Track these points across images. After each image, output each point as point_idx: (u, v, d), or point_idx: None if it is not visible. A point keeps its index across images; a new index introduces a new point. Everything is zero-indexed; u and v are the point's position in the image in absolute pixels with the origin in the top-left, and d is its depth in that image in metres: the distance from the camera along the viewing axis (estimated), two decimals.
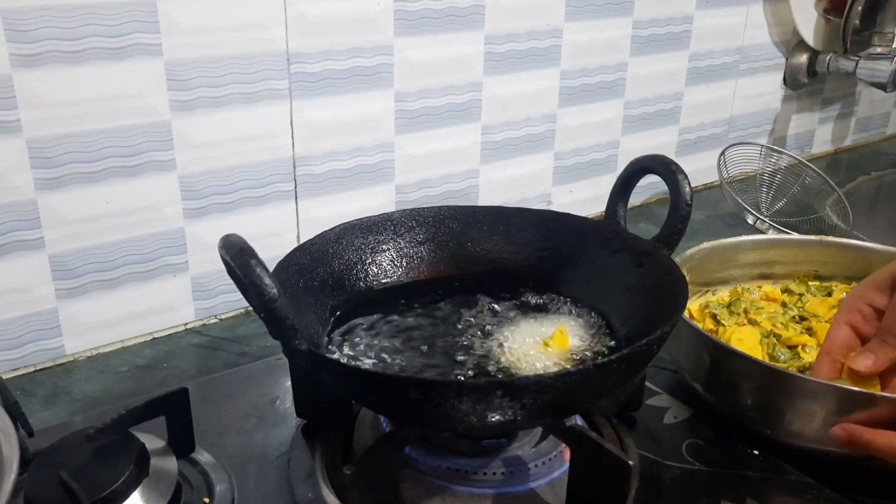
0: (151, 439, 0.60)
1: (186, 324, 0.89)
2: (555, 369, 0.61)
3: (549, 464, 0.62)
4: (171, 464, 0.59)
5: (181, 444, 0.62)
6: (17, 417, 0.60)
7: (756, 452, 0.67)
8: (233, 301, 0.89)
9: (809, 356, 0.71)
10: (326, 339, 0.66)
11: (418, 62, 0.95)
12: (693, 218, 1.19)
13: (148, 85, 0.77)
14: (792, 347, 0.73)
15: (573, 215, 0.76)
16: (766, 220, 1.16)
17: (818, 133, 1.54)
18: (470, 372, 0.61)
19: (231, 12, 0.80)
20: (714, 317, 0.78)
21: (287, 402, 0.72)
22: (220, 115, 0.83)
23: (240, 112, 0.84)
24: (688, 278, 0.78)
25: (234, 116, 0.84)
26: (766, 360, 0.72)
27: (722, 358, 0.68)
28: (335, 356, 0.63)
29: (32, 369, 0.80)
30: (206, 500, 0.61)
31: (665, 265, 0.65)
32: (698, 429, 0.70)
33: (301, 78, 0.87)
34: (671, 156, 1.27)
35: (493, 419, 0.50)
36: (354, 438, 0.67)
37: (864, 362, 0.61)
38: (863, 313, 0.64)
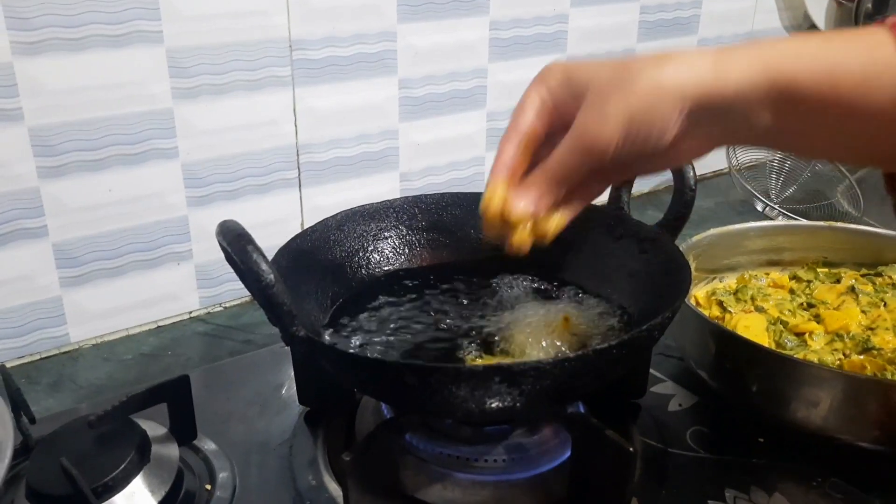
0: (153, 426, 0.60)
1: (191, 312, 0.89)
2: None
3: (551, 451, 0.62)
4: (172, 451, 0.59)
5: (183, 431, 0.62)
6: (20, 404, 0.60)
7: (761, 440, 0.66)
8: (237, 289, 0.89)
9: (816, 343, 0.71)
10: (327, 325, 0.65)
11: (422, 48, 0.94)
12: (702, 205, 1.20)
13: (150, 72, 0.77)
14: (799, 335, 0.72)
15: None
16: (776, 207, 1.15)
17: None
18: (472, 357, 0.61)
19: None
20: (721, 304, 0.77)
21: (290, 389, 0.72)
22: (223, 103, 0.82)
23: (242, 99, 0.83)
24: (694, 265, 0.78)
25: (236, 104, 0.83)
26: (773, 347, 0.71)
27: (728, 345, 0.67)
28: (335, 342, 0.63)
29: (37, 357, 0.80)
30: (208, 486, 0.61)
31: (668, 251, 0.64)
32: (703, 416, 0.70)
33: (304, 65, 0.86)
34: None
35: (493, 405, 0.50)
36: (356, 425, 0.67)
37: (522, 204, 0.50)
38: (549, 89, 0.50)
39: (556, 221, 0.51)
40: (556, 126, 0.49)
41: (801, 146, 0.49)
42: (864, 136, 0.45)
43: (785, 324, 0.73)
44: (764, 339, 0.71)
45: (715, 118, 0.45)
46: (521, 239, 0.50)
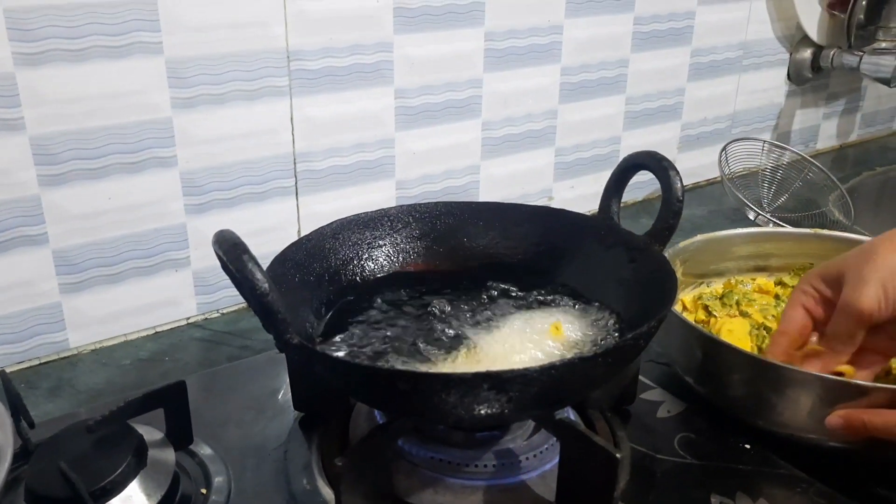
0: (150, 431, 0.61)
1: (188, 318, 0.90)
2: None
3: (540, 456, 0.63)
4: (168, 455, 0.60)
5: (179, 435, 0.63)
6: (19, 409, 0.61)
7: (748, 446, 0.67)
8: (234, 295, 0.90)
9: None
10: (321, 332, 0.67)
11: (419, 59, 0.96)
12: (695, 213, 1.22)
13: (149, 82, 0.79)
14: None
15: (568, 211, 0.76)
16: (768, 215, 1.16)
17: (823, 128, 1.53)
18: (462, 364, 0.62)
19: (231, 10, 0.81)
20: (706, 308, 0.79)
21: (285, 394, 0.73)
22: (221, 112, 0.84)
23: (241, 109, 0.85)
24: (682, 270, 0.79)
25: (235, 113, 0.85)
26: (755, 351, 0.72)
27: (711, 349, 0.68)
28: (329, 350, 0.64)
29: (37, 362, 0.81)
30: (204, 490, 0.62)
31: (656, 260, 0.66)
32: (691, 423, 0.71)
33: (301, 75, 0.88)
34: (673, 151, 1.28)
35: (481, 411, 0.51)
36: (350, 430, 0.68)
37: (813, 367, 0.64)
38: (815, 298, 0.67)
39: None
40: (822, 315, 0.66)
41: None
42: None
43: (768, 329, 0.74)
44: (746, 344, 0.73)
45: None
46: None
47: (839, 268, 0.64)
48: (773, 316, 0.76)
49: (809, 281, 0.67)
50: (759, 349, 0.73)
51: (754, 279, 0.85)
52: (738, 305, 0.79)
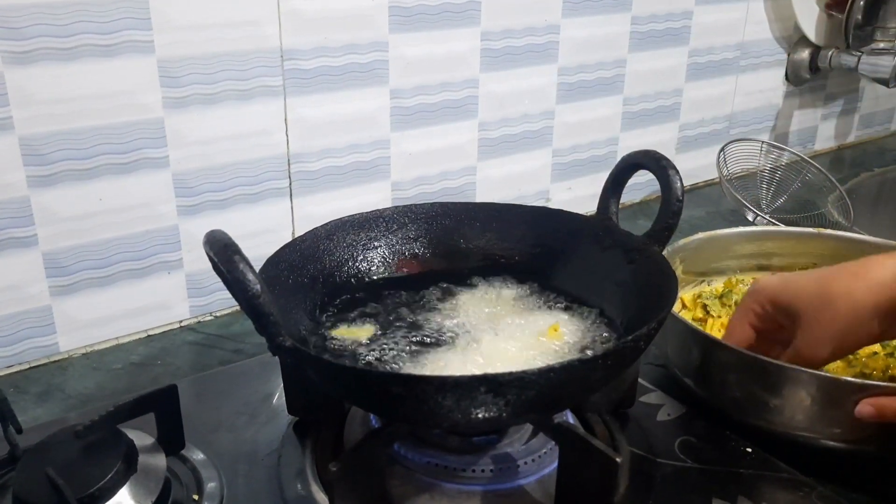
0: (141, 436, 0.60)
1: (181, 321, 0.89)
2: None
3: (538, 461, 0.62)
4: (159, 461, 0.59)
5: (171, 441, 0.62)
6: (7, 414, 0.60)
7: (749, 450, 0.66)
8: (227, 298, 0.89)
9: None
10: (315, 334, 0.66)
11: (414, 59, 0.95)
12: (693, 214, 1.21)
13: (141, 82, 0.78)
14: None
15: (565, 212, 0.75)
16: (766, 216, 1.15)
17: (821, 129, 1.53)
18: (458, 367, 0.61)
19: (224, 9, 0.80)
20: (705, 307, 0.78)
21: (279, 399, 0.72)
22: (214, 112, 0.83)
23: (233, 109, 0.84)
24: (681, 268, 0.79)
25: (227, 113, 0.83)
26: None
27: (709, 350, 0.68)
28: (322, 352, 0.63)
29: (27, 366, 0.80)
30: (195, 497, 0.61)
31: (656, 261, 0.65)
32: (691, 426, 0.70)
33: (295, 75, 0.87)
34: (671, 152, 1.27)
35: (478, 415, 0.50)
36: (345, 435, 0.67)
37: None
38: (762, 317, 0.66)
39: None
40: (767, 331, 0.66)
41: None
42: None
43: None
44: None
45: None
46: None
47: (794, 304, 0.62)
48: None
49: (760, 301, 0.65)
50: None
51: (755, 278, 0.84)
52: (736, 306, 0.78)
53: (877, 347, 0.69)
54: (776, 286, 0.64)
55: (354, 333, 0.66)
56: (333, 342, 0.65)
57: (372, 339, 0.65)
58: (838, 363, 0.69)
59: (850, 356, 0.68)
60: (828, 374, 0.62)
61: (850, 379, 0.61)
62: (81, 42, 0.73)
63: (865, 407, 0.59)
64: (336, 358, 0.62)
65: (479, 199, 1.07)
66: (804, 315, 0.61)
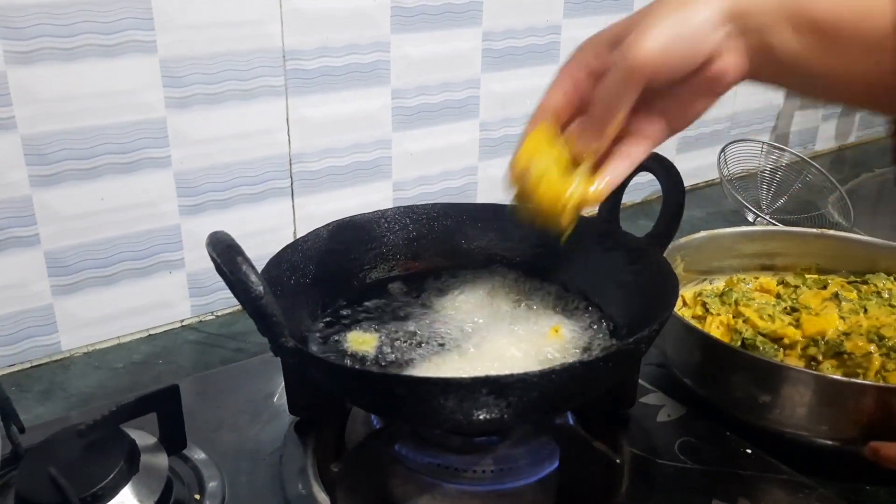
0: (143, 436, 0.60)
1: (183, 320, 0.89)
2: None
3: (539, 462, 0.62)
4: (161, 460, 0.59)
5: (173, 440, 0.62)
6: (9, 414, 0.60)
7: (749, 451, 0.66)
8: (229, 298, 0.89)
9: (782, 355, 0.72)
10: (317, 334, 0.66)
11: (416, 59, 0.95)
12: (694, 215, 1.21)
13: (143, 82, 0.78)
14: (776, 340, 0.73)
15: None
16: (767, 217, 1.16)
17: (822, 130, 1.53)
18: (460, 367, 0.61)
19: (226, 9, 0.80)
20: (704, 305, 0.78)
21: (281, 398, 0.72)
22: (216, 112, 0.83)
23: (236, 109, 0.84)
24: (682, 265, 0.79)
25: (229, 113, 0.84)
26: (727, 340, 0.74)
27: (708, 349, 0.68)
28: (324, 353, 0.63)
29: (28, 365, 0.80)
30: (197, 496, 0.61)
31: (657, 263, 0.65)
32: (692, 427, 0.70)
33: (297, 74, 0.87)
34: (672, 152, 1.27)
35: (480, 417, 0.50)
36: (346, 435, 0.67)
37: (576, 148, 0.51)
38: (592, 70, 0.51)
39: (608, 179, 0.50)
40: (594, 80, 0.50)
41: (822, 75, 0.49)
42: (869, 63, 0.47)
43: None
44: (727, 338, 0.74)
45: (745, 31, 0.48)
46: (567, 207, 0.48)
47: (631, 20, 0.49)
48: (769, 315, 0.76)
49: (592, 46, 0.51)
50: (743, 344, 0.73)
51: (757, 278, 0.84)
52: (735, 305, 0.78)
53: (872, 347, 0.69)
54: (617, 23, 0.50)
55: (357, 336, 0.66)
56: (336, 343, 0.65)
57: (374, 340, 0.65)
58: (831, 362, 0.69)
59: (845, 356, 0.68)
60: (826, 375, 0.62)
61: (851, 380, 0.62)
62: (84, 42, 0.73)
63: (868, 450, 0.59)
64: (338, 358, 0.62)
65: (480, 200, 1.08)
66: (636, 17, 0.48)
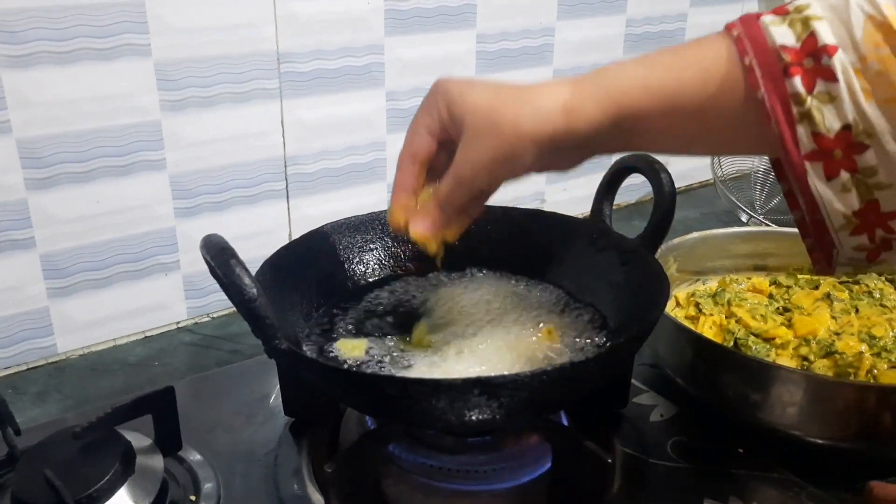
0: (138, 437, 0.61)
1: (178, 322, 0.89)
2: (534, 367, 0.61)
3: (532, 461, 0.62)
4: (157, 462, 0.60)
5: (168, 442, 0.63)
6: (5, 416, 0.60)
7: (741, 451, 0.67)
8: (224, 300, 0.88)
9: (774, 355, 0.72)
10: (311, 336, 0.66)
11: (410, 61, 0.95)
12: (687, 216, 1.21)
13: (138, 85, 0.78)
14: (768, 340, 0.74)
15: (559, 214, 0.76)
16: (760, 217, 1.16)
17: None
18: (453, 368, 0.61)
19: (220, 12, 0.80)
20: (697, 305, 0.79)
21: (276, 399, 0.72)
22: (211, 115, 0.83)
23: (230, 111, 0.84)
24: (675, 266, 0.80)
25: (224, 116, 0.84)
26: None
27: (700, 349, 0.69)
28: (317, 355, 0.63)
29: (24, 367, 0.81)
30: (193, 497, 0.62)
31: (648, 263, 0.65)
32: (684, 426, 0.70)
33: (291, 77, 0.87)
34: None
35: (472, 417, 0.50)
36: (341, 436, 0.67)
37: (420, 228, 0.57)
38: (434, 120, 0.56)
39: (453, 231, 0.59)
40: (445, 140, 0.56)
41: (655, 151, 0.59)
42: (715, 141, 0.53)
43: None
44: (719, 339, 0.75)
45: (567, 152, 0.54)
46: (429, 248, 0.59)
47: (464, 118, 0.53)
48: (761, 315, 0.76)
49: (438, 104, 0.55)
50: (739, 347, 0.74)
51: (750, 278, 0.85)
52: (728, 305, 0.79)
53: (863, 347, 0.69)
54: (455, 92, 0.54)
55: (351, 340, 0.66)
56: (328, 343, 0.65)
57: (368, 341, 0.65)
58: (824, 362, 0.69)
59: (837, 356, 0.69)
60: (817, 375, 0.63)
61: (843, 380, 0.63)
62: (79, 45, 0.74)
63: (867, 489, 0.60)
64: (331, 360, 0.62)
65: None
66: (469, 133, 0.53)
